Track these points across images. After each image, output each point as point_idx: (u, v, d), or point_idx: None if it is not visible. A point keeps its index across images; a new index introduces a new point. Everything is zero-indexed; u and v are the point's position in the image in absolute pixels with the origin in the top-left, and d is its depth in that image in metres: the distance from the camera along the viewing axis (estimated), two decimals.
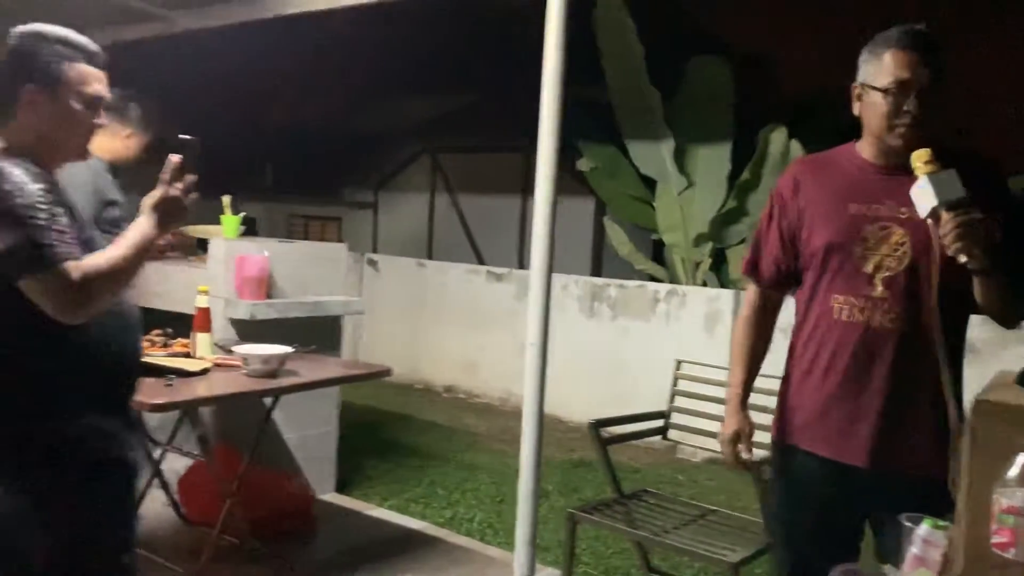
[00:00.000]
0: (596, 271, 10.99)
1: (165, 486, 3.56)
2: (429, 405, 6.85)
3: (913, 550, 1.43)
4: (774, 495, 2.07)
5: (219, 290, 3.70)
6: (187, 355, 3.09)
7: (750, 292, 2.10)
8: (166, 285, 3.96)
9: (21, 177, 1.62)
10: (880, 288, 1.81)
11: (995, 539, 1.21)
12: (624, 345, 6.38)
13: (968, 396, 1.43)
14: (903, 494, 1.60)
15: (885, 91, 1.77)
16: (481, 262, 10.99)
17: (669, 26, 9.59)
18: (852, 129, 1.96)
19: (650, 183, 7.65)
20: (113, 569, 1.72)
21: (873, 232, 1.82)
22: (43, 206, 1.61)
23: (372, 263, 8.17)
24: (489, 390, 7.15)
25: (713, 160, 7.10)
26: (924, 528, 1.43)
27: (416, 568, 3.37)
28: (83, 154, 1.79)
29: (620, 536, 3.66)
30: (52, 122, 1.72)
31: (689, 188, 7.27)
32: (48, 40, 1.72)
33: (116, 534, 1.74)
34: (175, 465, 3.65)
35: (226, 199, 3.83)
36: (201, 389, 2.78)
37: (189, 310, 3.17)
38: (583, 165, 8.02)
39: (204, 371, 2.87)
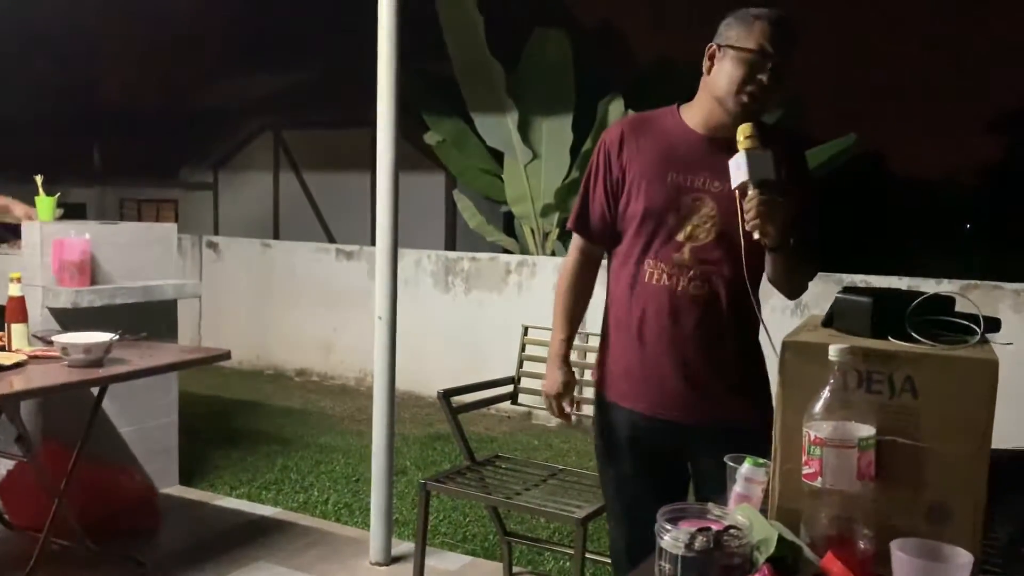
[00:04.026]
0: (451, 245, 10.99)
1: None
2: (281, 390, 6.65)
3: (737, 488, 1.51)
4: (598, 450, 2.12)
5: (36, 277, 3.44)
6: (1, 348, 2.86)
7: (575, 247, 2.09)
8: None
9: None
10: (687, 256, 1.88)
11: (805, 470, 1.28)
12: (479, 317, 6.41)
13: None
14: (719, 443, 1.67)
15: (747, 53, 1.79)
16: (332, 241, 10.75)
17: None
18: (687, 98, 1.99)
19: (498, 155, 7.69)
20: None
21: (687, 203, 1.88)
22: None
23: (212, 246, 7.80)
24: (345, 371, 7.02)
25: (556, 131, 7.21)
26: (745, 467, 1.51)
27: (268, 554, 3.27)
28: None
29: (478, 505, 3.70)
30: None
31: (535, 160, 7.37)
32: None
33: None
34: None
35: (38, 178, 3.55)
36: (17, 383, 2.57)
37: (3, 301, 2.93)
38: (431, 139, 7.96)
39: (18, 364, 2.65)
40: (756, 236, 1.70)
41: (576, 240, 2.09)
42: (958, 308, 1.45)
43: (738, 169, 1.69)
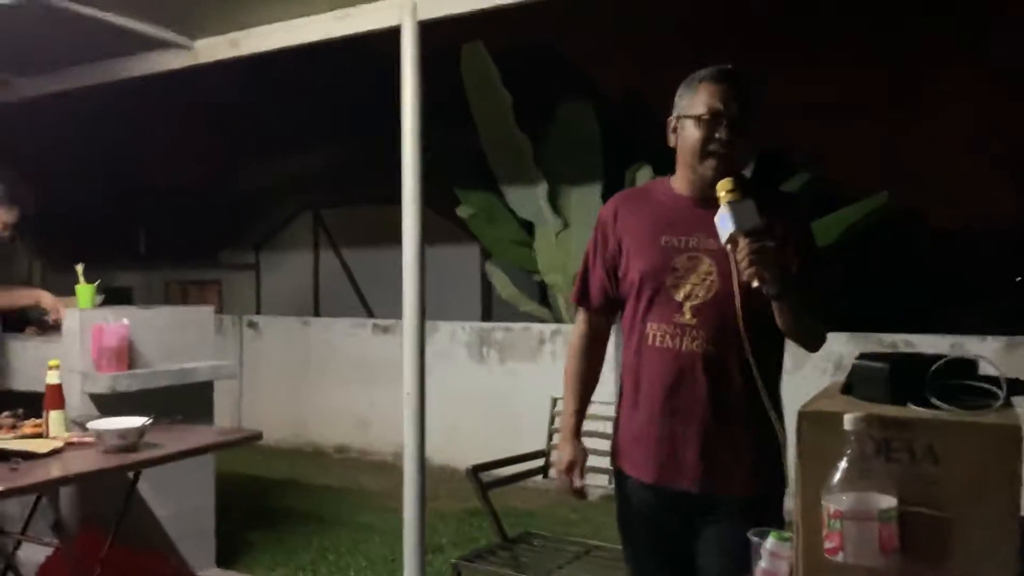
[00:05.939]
0: (487, 316, 11.03)
1: None
2: (319, 468, 6.65)
3: (762, 564, 1.47)
4: (617, 517, 2.09)
5: (76, 364, 3.51)
6: (40, 436, 2.92)
7: (580, 320, 2.12)
8: (19, 363, 3.74)
9: None
10: (688, 315, 1.88)
11: (826, 544, 1.25)
12: (514, 388, 6.38)
13: None
14: (729, 512, 1.62)
15: (699, 119, 1.85)
16: (371, 316, 10.86)
17: (539, 72, 9.86)
18: None
19: (529, 226, 7.78)
20: None
21: (683, 262, 1.90)
22: None
23: (252, 325, 7.93)
24: (383, 446, 7.00)
25: (586, 200, 7.28)
26: (771, 541, 1.47)
27: None
28: None
29: None
30: None
31: (566, 229, 7.43)
32: None
33: None
34: (36, 556, 3.40)
35: (79, 267, 3.66)
36: (54, 470, 2.61)
37: (43, 388, 3.00)
38: (462, 212, 8.08)
39: (55, 451, 2.70)
40: (755, 284, 1.69)
41: (581, 314, 2.12)
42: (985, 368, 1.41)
43: (724, 223, 1.72)
